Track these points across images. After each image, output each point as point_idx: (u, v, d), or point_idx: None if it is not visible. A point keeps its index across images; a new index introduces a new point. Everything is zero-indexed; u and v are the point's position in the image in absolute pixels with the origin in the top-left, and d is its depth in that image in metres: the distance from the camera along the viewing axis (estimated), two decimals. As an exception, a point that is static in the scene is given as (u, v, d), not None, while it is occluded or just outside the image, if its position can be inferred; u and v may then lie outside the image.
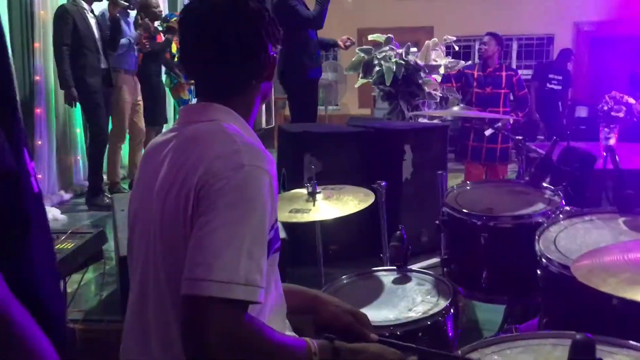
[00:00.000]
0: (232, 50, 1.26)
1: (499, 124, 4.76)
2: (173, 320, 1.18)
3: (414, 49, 5.57)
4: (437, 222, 2.38)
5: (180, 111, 1.38)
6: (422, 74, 5.40)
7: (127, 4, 5.31)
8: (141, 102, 5.73)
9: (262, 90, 1.36)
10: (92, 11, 5.08)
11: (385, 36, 5.55)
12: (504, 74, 5.03)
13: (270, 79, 1.36)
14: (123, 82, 5.39)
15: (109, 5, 5.15)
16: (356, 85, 6.13)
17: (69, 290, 2.63)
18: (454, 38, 6.05)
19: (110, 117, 5.33)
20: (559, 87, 7.75)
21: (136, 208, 1.32)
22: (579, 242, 1.78)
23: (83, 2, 4.97)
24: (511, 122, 5.02)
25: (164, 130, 5.50)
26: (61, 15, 4.81)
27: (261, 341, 1.11)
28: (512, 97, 5.22)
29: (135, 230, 1.31)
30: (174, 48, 5.89)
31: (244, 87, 1.32)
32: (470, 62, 6.28)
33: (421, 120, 5.42)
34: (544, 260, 1.73)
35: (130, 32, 5.43)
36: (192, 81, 1.40)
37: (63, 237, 2.50)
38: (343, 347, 1.26)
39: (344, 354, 1.24)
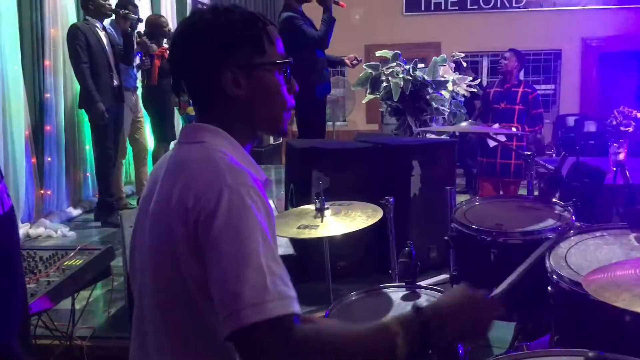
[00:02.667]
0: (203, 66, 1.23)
1: (503, 138, 4.75)
2: (168, 347, 1.17)
3: (421, 65, 5.59)
4: (446, 238, 2.37)
5: (180, 130, 1.36)
6: (430, 90, 5.42)
7: (138, 17, 5.35)
8: (142, 119, 5.79)
9: None
10: (103, 28, 5.12)
11: (392, 52, 5.58)
12: (520, 90, 5.03)
13: None
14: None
15: (117, 19, 5.20)
16: (364, 101, 6.15)
17: (77, 306, 2.63)
18: (463, 55, 6.07)
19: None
20: None
21: (134, 228, 1.30)
22: (589, 258, 1.76)
23: (94, 19, 5.02)
24: (517, 134, 5.00)
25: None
26: (74, 34, 4.85)
27: (324, 343, 1.04)
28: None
29: (135, 252, 1.29)
30: None
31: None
32: (478, 77, 6.28)
33: (429, 135, 5.42)
34: (554, 276, 1.72)
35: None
36: None
37: (72, 254, 2.51)
38: (428, 312, 1.09)
39: (433, 321, 1.08)
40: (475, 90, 5.92)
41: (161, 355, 1.18)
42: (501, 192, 5.11)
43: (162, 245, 1.14)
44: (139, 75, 5.74)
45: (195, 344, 1.15)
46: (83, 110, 5.17)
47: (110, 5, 5.16)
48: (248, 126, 1.27)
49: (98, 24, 5.05)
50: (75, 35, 4.85)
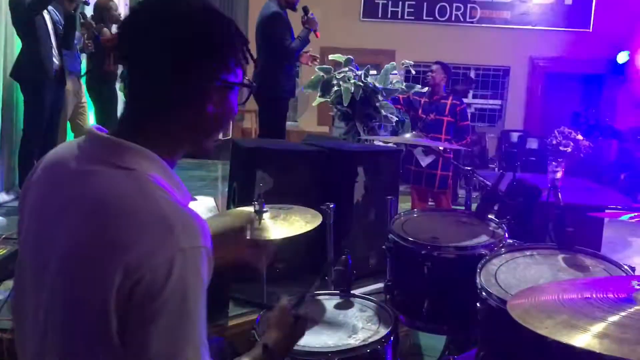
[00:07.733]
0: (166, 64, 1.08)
1: (433, 156, 4.85)
2: None
3: (373, 72, 5.63)
4: (383, 247, 2.38)
5: (89, 138, 1.13)
6: (380, 97, 5.46)
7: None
8: (85, 104, 5.62)
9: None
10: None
11: (345, 57, 5.59)
12: (448, 102, 5.13)
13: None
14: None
15: (64, 0, 4.94)
16: (314, 104, 6.14)
17: (0, 297, 2.52)
18: (412, 62, 6.14)
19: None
20: None
21: (28, 247, 1.14)
22: (518, 276, 1.80)
23: None
24: (447, 150, 5.09)
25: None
26: (18, 1, 4.58)
27: None
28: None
29: (26, 274, 1.13)
30: None
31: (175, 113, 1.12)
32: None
33: (376, 142, 5.46)
34: (483, 293, 1.75)
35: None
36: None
37: (-4, 243, 2.41)
38: (272, 349, 1.36)
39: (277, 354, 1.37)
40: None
41: None
42: (431, 202, 5.20)
43: (88, 296, 1.00)
44: (83, 58, 5.55)
45: None
46: (19, 89, 4.95)
47: None
48: (188, 144, 1.17)
49: None
50: (19, 2, 4.55)
